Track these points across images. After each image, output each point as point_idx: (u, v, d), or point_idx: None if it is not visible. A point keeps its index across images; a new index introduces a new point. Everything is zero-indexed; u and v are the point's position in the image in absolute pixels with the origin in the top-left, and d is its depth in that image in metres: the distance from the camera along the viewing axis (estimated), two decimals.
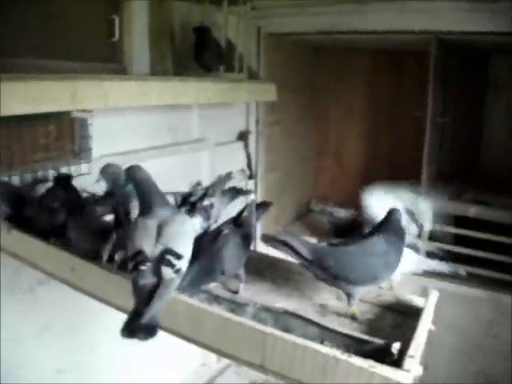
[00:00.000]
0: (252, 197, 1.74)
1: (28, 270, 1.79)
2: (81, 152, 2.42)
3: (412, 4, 2.94)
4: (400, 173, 4.25)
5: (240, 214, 1.65)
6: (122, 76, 2.34)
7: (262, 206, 1.79)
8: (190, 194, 1.81)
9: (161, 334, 1.41)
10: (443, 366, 3.10)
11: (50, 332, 2.38)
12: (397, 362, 1.11)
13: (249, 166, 3.72)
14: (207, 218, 1.61)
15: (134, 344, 2.77)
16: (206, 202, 1.67)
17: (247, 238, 1.56)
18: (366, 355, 1.12)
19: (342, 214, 4.19)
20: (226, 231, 1.50)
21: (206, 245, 1.46)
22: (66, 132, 2.36)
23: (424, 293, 3.29)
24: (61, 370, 2.47)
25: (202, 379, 3.58)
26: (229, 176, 1.94)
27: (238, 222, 1.58)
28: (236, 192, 1.89)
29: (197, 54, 2.73)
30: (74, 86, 1.69)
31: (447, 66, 3.55)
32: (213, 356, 3.55)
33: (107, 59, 2.57)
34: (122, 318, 1.48)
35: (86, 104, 1.80)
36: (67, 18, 2.35)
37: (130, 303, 1.41)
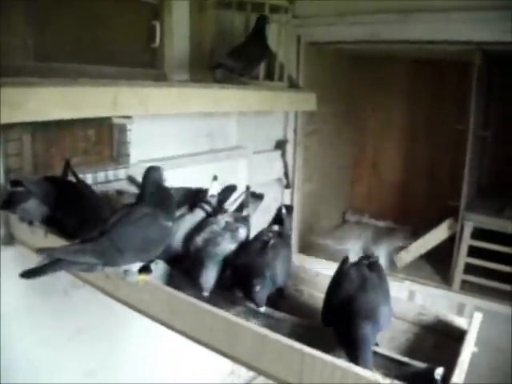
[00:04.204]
0: (282, 203, 1.72)
1: (62, 273, 1.78)
2: (119, 157, 2.43)
3: (455, 14, 2.89)
4: (438, 186, 4.20)
5: (274, 221, 1.63)
6: (163, 83, 2.33)
7: (289, 212, 1.76)
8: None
9: (190, 342, 1.40)
10: None
11: (81, 335, 2.37)
12: None
13: (286, 175, 3.69)
14: (248, 227, 1.60)
15: (163, 350, 2.78)
16: (245, 212, 1.66)
17: (289, 248, 1.54)
18: (407, 379, 1.08)
19: None
20: (272, 241, 1.48)
21: (256, 255, 1.43)
22: (104, 137, 2.37)
23: (460, 310, 3.25)
24: (89, 373, 2.47)
25: None
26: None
27: (278, 231, 1.56)
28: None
29: (237, 47, 2.63)
30: (115, 92, 1.68)
31: (490, 78, 3.48)
32: None
33: (147, 65, 2.56)
34: (153, 324, 1.47)
35: (126, 110, 1.79)
36: (108, 23, 2.36)
37: (163, 312, 1.41)
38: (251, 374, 3.63)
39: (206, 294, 1.36)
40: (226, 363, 3.48)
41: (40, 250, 1.31)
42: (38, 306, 2.18)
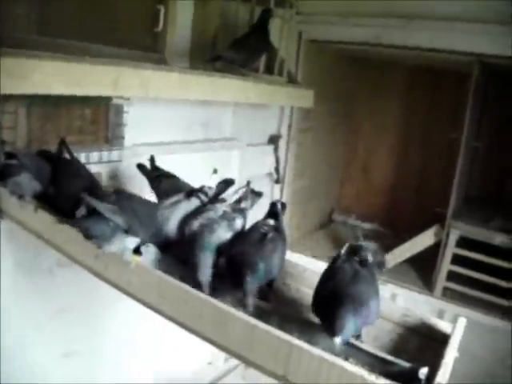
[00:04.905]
0: (275, 199, 1.73)
1: (48, 251, 1.76)
2: (113, 139, 2.41)
3: (457, 24, 2.91)
4: (427, 193, 4.22)
5: (268, 215, 1.63)
6: (164, 67, 2.32)
7: (283, 209, 1.77)
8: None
9: (172, 330, 1.40)
10: None
11: (64, 315, 2.36)
12: None
13: (277, 170, 3.69)
14: (245, 218, 1.63)
15: (145, 335, 2.77)
16: (243, 205, 1.67)
17: (285, 243, 1.54)
18: (391, 377, 1.08)
19: None
20: (271, 234, 1.48)
21: (254, 246, 1.43)
22: (100, 117, 2.36)
23: (440, 316, 3.27)
24: (68, 354, 2.45)
25: (206, 379, 3.53)
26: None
27: (274, 225, 1.56)
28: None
29: (239, 39, 2.66)
30: (117, 71, 1.68)
31: (487, 90, 3.50)
32: (220, 356, 3.52)
33: (148, 49, 2.55)
34: (137, 307, 1.47)
35: (126, 91, 1.79)
36: (112, 3, 2.35)
37: (152, 296, 1.40)
38: (229, 365, 3.64)
39: (206, 292, 1.36)
40: (205, 354, 3.50)
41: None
42: (23, 284, 2.16)
